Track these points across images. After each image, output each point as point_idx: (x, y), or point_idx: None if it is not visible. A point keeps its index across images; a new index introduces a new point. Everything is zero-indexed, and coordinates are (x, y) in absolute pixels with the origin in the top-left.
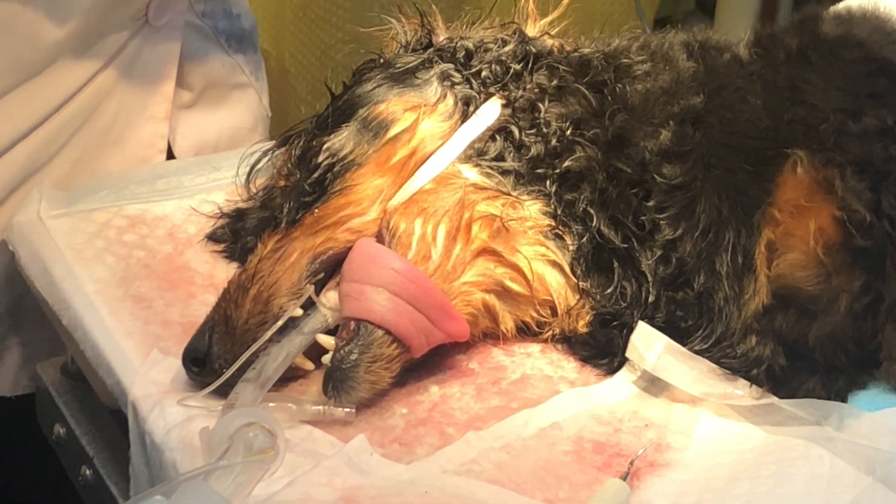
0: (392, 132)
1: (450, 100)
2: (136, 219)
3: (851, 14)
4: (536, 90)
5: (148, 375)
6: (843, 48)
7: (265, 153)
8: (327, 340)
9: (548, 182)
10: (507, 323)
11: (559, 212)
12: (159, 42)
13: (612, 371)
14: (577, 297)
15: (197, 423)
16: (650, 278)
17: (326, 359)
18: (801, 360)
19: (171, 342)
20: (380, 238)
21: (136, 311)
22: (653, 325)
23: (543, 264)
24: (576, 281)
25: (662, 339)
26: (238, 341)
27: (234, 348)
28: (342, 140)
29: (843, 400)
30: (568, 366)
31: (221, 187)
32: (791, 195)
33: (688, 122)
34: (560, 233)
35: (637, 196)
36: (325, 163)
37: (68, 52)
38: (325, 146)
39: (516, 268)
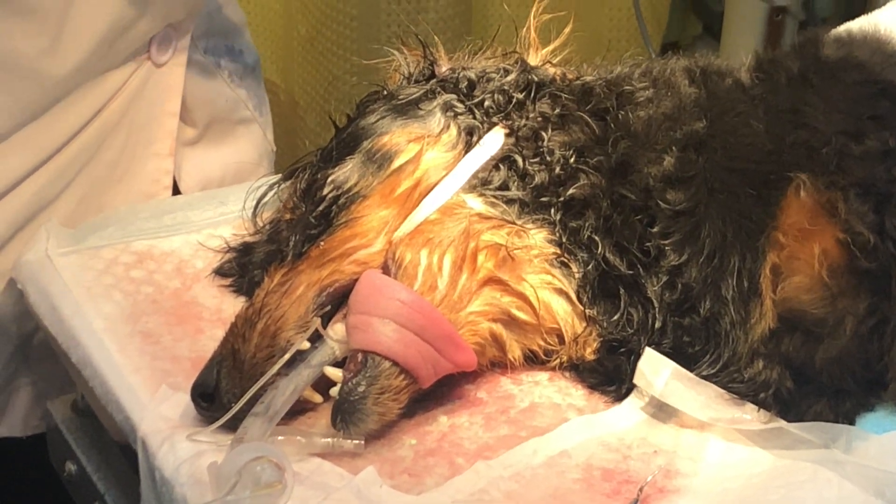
0: (396, 163)
1: (453, 130)
2: (143, 255)
3: (852, 37)
4: (539, 119)
5: (157, 411)
6: (844, 71)
7: (271, 186)
8: (335, 373)
9: (552, 210)
10: (515, 352)
11: (564, 240)
12: (162, 79)
13: (620, 398)
14: (584, 324)
15: (207, 459)
16: (656, 304)
17: (334, 391)
18: (809, 384)
19: (180, 377)
20: (385, 269)
21: (145, 347)
22: (660, 351)
23: (549, 292)
24: (582, 308)
25: (670, 365)
26: (246, 375)
27: (242, 382)
28: (347, 172)
29: (851, 422)
30: (576, 393)
31: (228, 221)
32: (795, 218)
33: (691, 147)
34: (565, 261)
35: (642, 222)
36: (330, 195)
37: (72, 90)
38: (329, 179)
39: (522, 296)
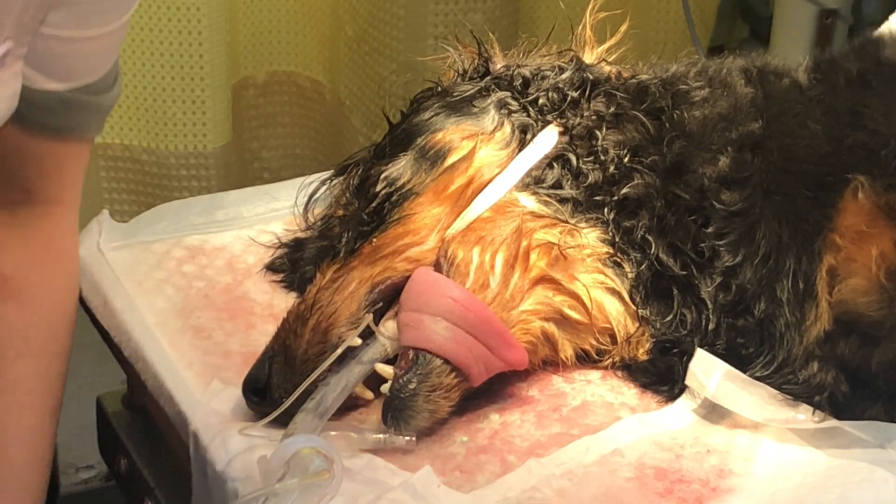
0: (449, 161)
1: (507, 128)
2: (195, 249)
3: None
4: (594, 117)
5: (208, 406)
6: None
7: (323, 182)
8: (386, 370)
9: (606, 209)
10: (567, 351)
11: (617, 239)
12: None
13: (672, 398)
14: (637, 324)
15: (258, 453)
16: (710, 305)
17: (385, 388)
18: (864, 387)
19: (231, 372)
20: (438, 267)
21: (196, 342)
22: (713, 353)
23: (602, 292)
24: (635, 309)
25: (722, 366)
26: (297, 371)
27: (293, 378)
28: (400, 169)
29: None
30: (629, 392)
31: (280, 217)
32: (852, 221)
33: (747, 148)
34: (619, 260)
35: (696, 223)
36: (383, 192)
37: None
38: (382, 175)
39: (575, 296)
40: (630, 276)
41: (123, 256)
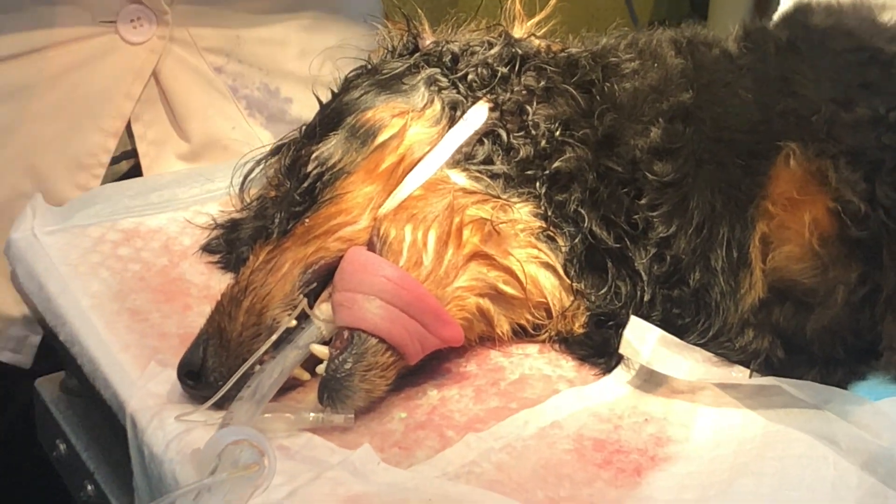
0: (380, 139)
1: (437, 105)
2: (130, 232)
3: (841, 5)
4: (524, 92)
5: (146, 388)
6: (833, 38)
7: (258, 163)
8: (321, 350)
9: (538, 184)
10: (503, 326)
11: (550, 213)
12: (128, 58)
13: (609, 369)
14: (572, 297)
15: (196, 435)
16: (645, 277)
17: (321, 369)
18: (800, 353)
19: (168, 354)
20: (371, 246)
21: (133, 325)
22: (650, 320)
23: (536, 266)
24: (569, 282)
25: (656, 332)
26: (232, 354)
27: (228, 361)
28: (331, 148)
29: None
30: (566, 365)
31: (215, 198)
32: (784, 188)
33: (678, 118)
34: (552, 234)
35: (629, 195)
36: (315, 172)
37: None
38: (314, 155)
39: (509, 271)
40: (564, 249)
41: (58, 241)
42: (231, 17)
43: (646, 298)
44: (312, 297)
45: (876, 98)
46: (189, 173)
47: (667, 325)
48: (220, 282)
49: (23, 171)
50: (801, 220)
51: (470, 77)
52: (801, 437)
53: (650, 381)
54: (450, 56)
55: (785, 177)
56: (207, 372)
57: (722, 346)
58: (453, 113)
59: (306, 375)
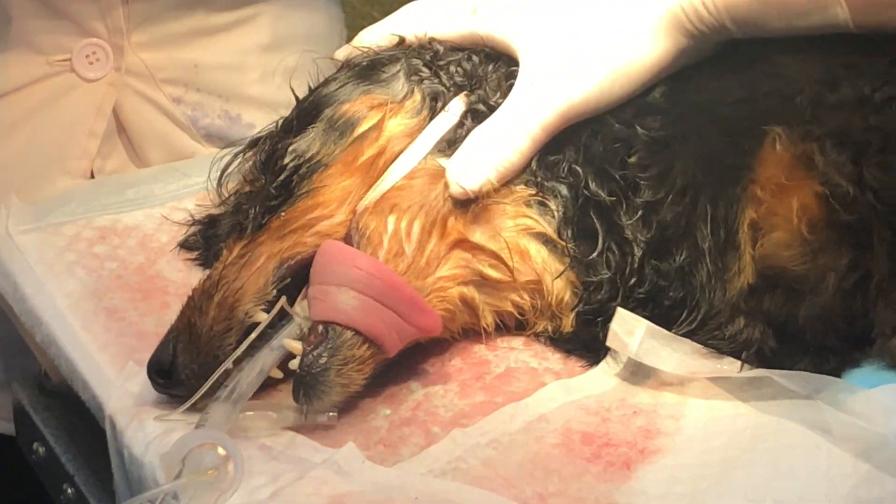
0: (358, 131)
1: (417, 96)
2: (106, 230)
3: None
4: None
5: (124, 388)
6: None
7: (235, 156)
8: (295, 346)
9: None
10: (487, 318)
11: (540, 178)
12: (87, 95)
13: (596, 362)
14: (562, 267)
15: (176, 436)
16: (633, 245)
17: (295, 364)
18: (792, 342)
19: (146, 353)
20: (348, 240)
21: (110, 324)
22: (637, 298)
23: (527, 239)
24: (564, 244)
25: (643, 324)
26: (203, 349)
27: (199, 357)
28: (308, 141)
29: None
30: (553, 357)
31: (192, 194)
32: (772, 172)
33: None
34: (544, 200)
35: (620, 151)
36: (291, 165)
37: None
38: (290, 148)
39: (495, 255)
40: (557, 214)
41: (33, 240)
42: (187, 46)
43: (634, 265)
44: (292, 292)
45: (860, 78)
46: (165, 169)
47: (654, 300)
48: (198, 277)
49: None
50: (790, 206)
51: (452, 68)
52: (793, 427)
53: (638, 373)
54: (431, 52)
55: (772, 162)
56: (178, 369)
57: (712, 334)
58: (434, 104)
59: (279, 374)
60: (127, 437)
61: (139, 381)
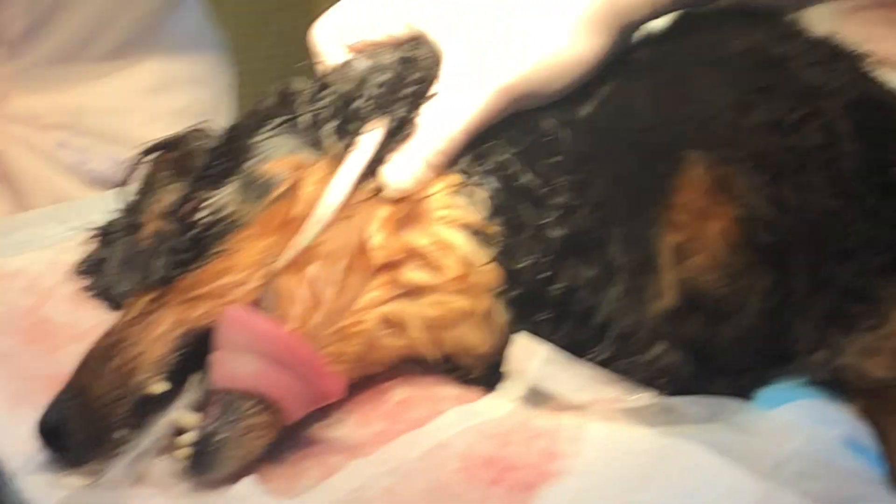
0: (277, 192)
1: (338, 145)
2: None
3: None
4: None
5: (15, 434)
6: (727, 42)
7: (144, 154)
8: (188, 419)
9: None
10: (416, 332)
11: (469, 168)
12: None
13: (493, 387)
14: (488, 260)
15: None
16: (554, 239)
17: (188, 439)
18: (709, 364)
19: (37, 397)
20: (259, 304)
21: None
22: (551, 294)
23: (453, 230)
24: (493, 230)
25: (542, 349)
26: (94, 416)
27: (89, 425)
28: (225, 198)
29: (748, 397)
30: (451, 383)
31: (77, 237)
32: (691, 197)
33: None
34: (472, 190)
35: (547, 148)
36: (205, 220)
37: None
38: (206, 202)
39: (421, 254)
40: (486, 203)
41: None
42: (71, 90)
43: (551, 257)
44: (188, 360)
45: (774, 101)
46: (52, 210)
47: (569, 304)
48: (88, 320)
49: None
50: (710, 230)
51: (359, 103)
52: (694, 448)
53: (538, 396)
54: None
55: (691, 186)
56: (68, 435)
57: (630, 360)
58: (347, 144)
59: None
60: (17, 484)
61: (30, 426)
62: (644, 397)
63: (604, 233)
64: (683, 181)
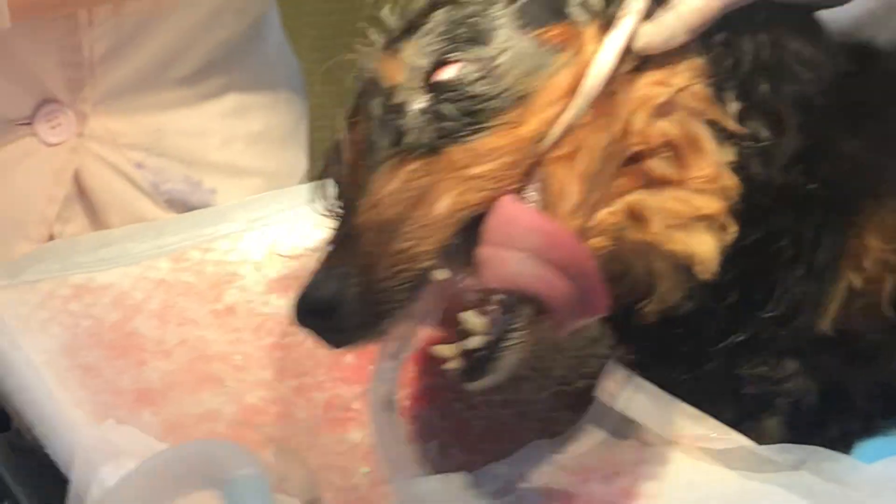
0: (559, 61)
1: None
2: (80, 288)
3: None
4: None
5: (99, 448)
6: None
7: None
8: (476, 322)
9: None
10: (656, 227)
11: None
12: (48, 160)
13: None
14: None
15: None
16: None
17: (475, 343)
18: (832, 402)
19: (123, 411)
20: (529, 193)
21: (86, 381)
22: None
23: (705, 126)
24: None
25: (633, 378)
26: (376, 299)
27: (371, 307)
28: (501, 67)
29: (850, 446)
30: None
31: (166, 254)
32: (877, 244)
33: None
34: (720, 92)
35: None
36: (482, 90)
37: None
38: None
39: (671, 144)
40: (733, 105)
41: (7, 296)
42: (151, 112)
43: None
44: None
45: None
46: (139, 228)
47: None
48: (175, 335)
49: None
50: (883, 280)
51: None
52: (777, 491)
53: (622, 428)
54: None
55: (879, 231)
56: (345, 316)
57: (755, 366)
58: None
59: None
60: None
61: (116, 438)
62: (732, 439)
63: (818, 209)
64: (875, 221)
